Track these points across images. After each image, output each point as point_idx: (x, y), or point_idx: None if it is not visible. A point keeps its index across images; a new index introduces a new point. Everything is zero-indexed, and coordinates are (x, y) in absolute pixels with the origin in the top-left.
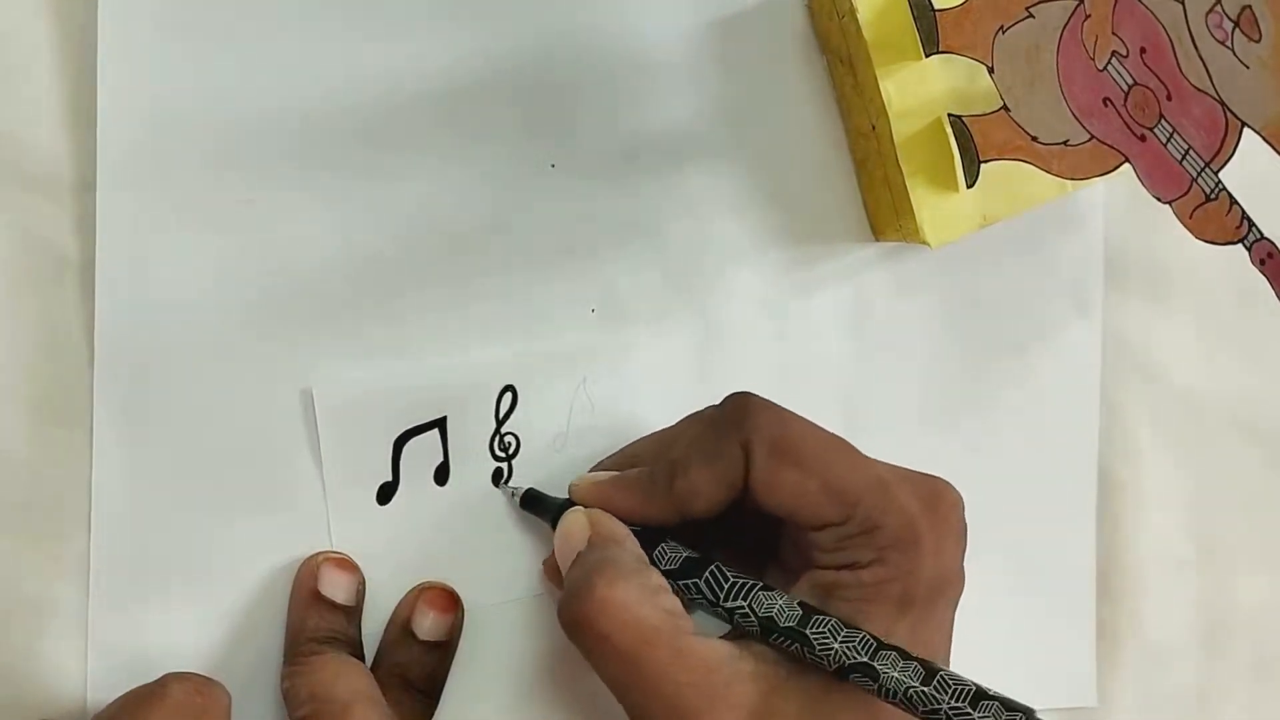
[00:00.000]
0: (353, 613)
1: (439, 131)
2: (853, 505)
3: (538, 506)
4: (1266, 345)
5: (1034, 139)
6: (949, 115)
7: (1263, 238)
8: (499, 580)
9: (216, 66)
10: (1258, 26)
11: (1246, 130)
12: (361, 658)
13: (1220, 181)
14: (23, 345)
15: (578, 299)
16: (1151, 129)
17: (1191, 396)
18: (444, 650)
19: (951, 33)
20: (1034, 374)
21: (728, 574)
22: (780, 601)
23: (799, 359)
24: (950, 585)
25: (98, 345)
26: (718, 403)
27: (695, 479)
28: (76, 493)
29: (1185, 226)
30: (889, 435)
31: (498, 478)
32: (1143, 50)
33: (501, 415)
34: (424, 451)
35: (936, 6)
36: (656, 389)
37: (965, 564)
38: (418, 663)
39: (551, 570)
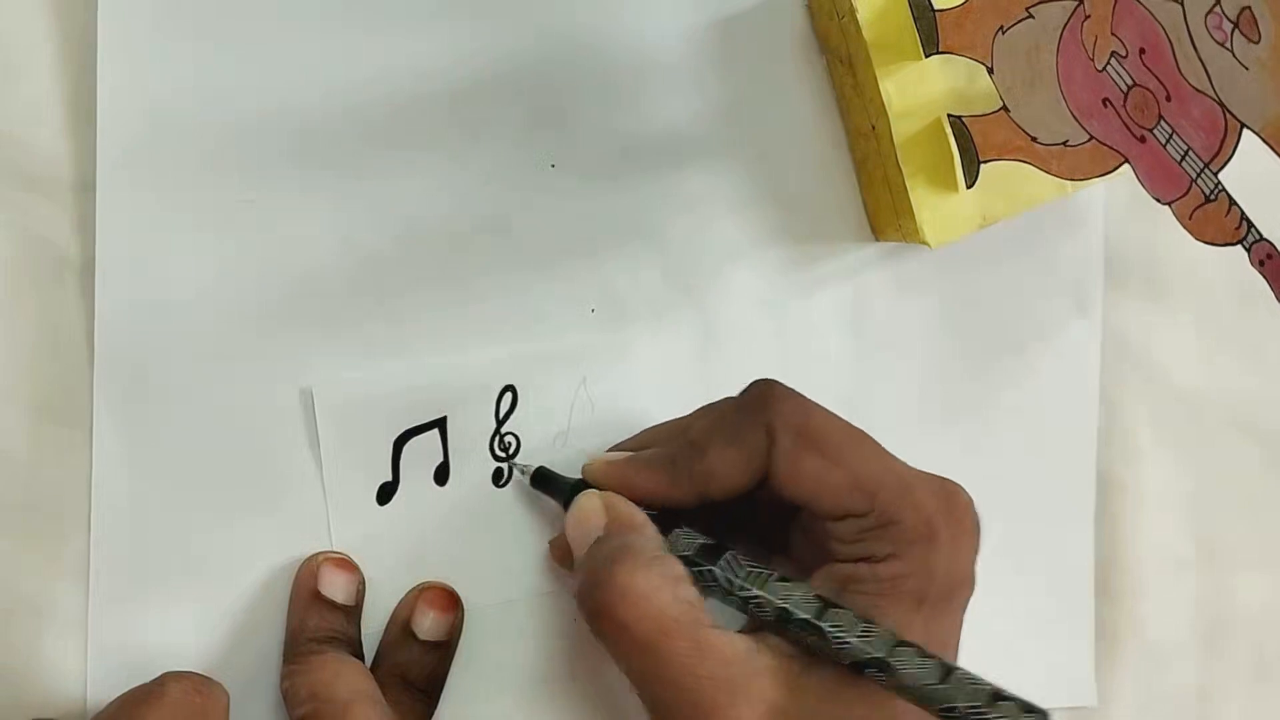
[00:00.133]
0: (352, 612)
1: (439, 131)
2: (873, 497)
3: (548, 486)
4: (1266, 345)
5: (1034, 139)
6: (949, 115)
7: (1262, 238)
8: (499, 580)
9: (216, 66)
10: (1257, 28)
11: (1246, 131)
12: (361, 657)
13: (1219, 182)
14: (23, 345)
15: (577, 299)
16: (1151, 130)
17: (1191, 396)
18: (444, 650)
19: (951, 33)
20: (1034, 374)
21: (743, 562)
22: (797, 593)
23: (799, 358)
24: (963, 586)
25: (98, 345)
26: (738, 392)
27: (716, 460)
28: (76, 493)
29: (1184, 227)
30: (889, 435)
31: (498, 477)
32: (1142, 51)
33: (501, 415)
34: (424, 451)
35: (936, 6)
36: (656, 388)
37: None
38: (418, 663)
39: (559, 551)
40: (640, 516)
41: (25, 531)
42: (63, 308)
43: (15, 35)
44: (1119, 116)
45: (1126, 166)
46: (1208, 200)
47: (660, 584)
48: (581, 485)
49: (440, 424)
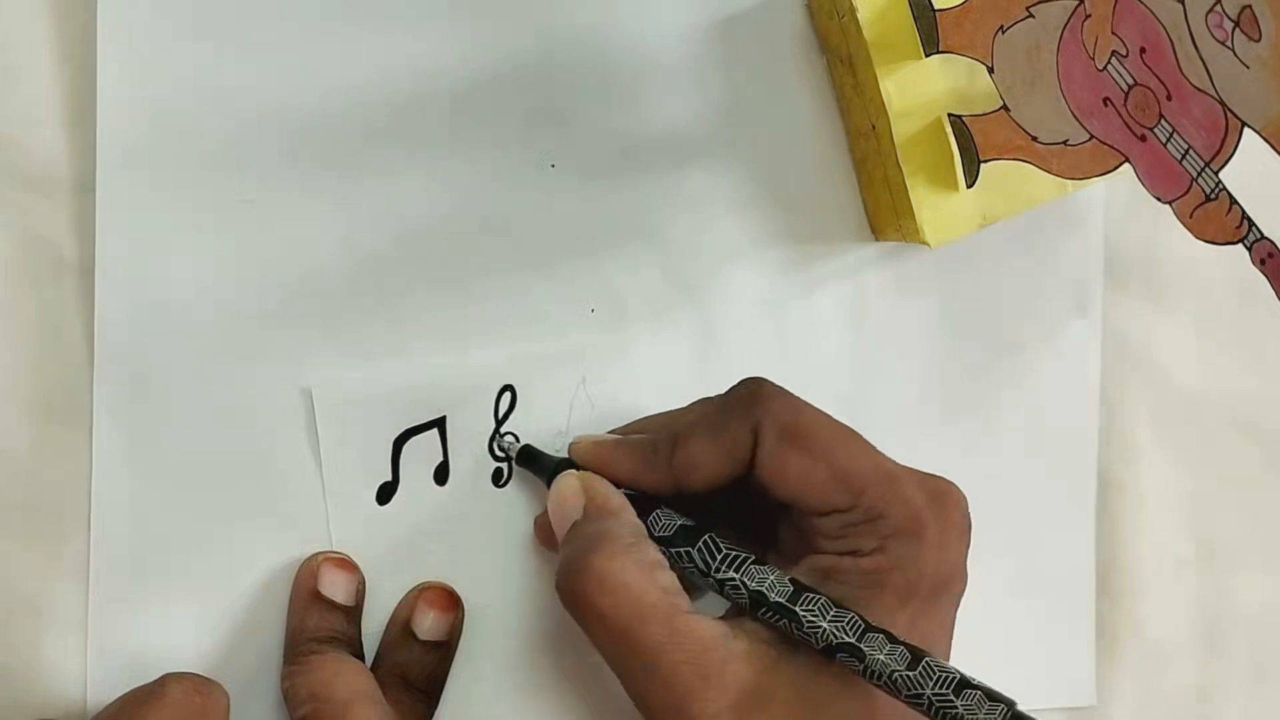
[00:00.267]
0: (352, 612)
1: (439, 131)
2: (859, 493)
3: (533, 464)
4: (1266, 345)
5: (1034, 139)
6: (949, 115)
7: (1263, 237)
8: (499, 580)
9: (216, 66)
10: (1258, 26)
11: (1247, 130)
12: (361, 657)
13: (1220, 181)
14: (23, 345)
15: (577, 299)
16: (1151, 129)
17: (1191, 396)
18: (444, 650)
19: (951, 32)
20: (1034, 374)
21: (721, 545)
22: (772, 576)
23: (799, 358)
24: (953, 581)
25: (98, 345)
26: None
27: (696, 451)
28: (76, 493)
29: (1185, 226)
30: (888, 435)
31: (498, 477)
32: (1143, 50)
33: (501, 415)
34: (424, 451)
35: (936, 6)
36: (656, 388)
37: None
38: (418, 663)
39: (543, 531)
40: (618, 499)
41: (25, 531)
42: (63, 308)
43: (15, 35)
44: (1119, 115)
45: (1127, 166)
46: (1208, 199)
47: (636, 571)
48: (565, 464)
49: (440, 424)
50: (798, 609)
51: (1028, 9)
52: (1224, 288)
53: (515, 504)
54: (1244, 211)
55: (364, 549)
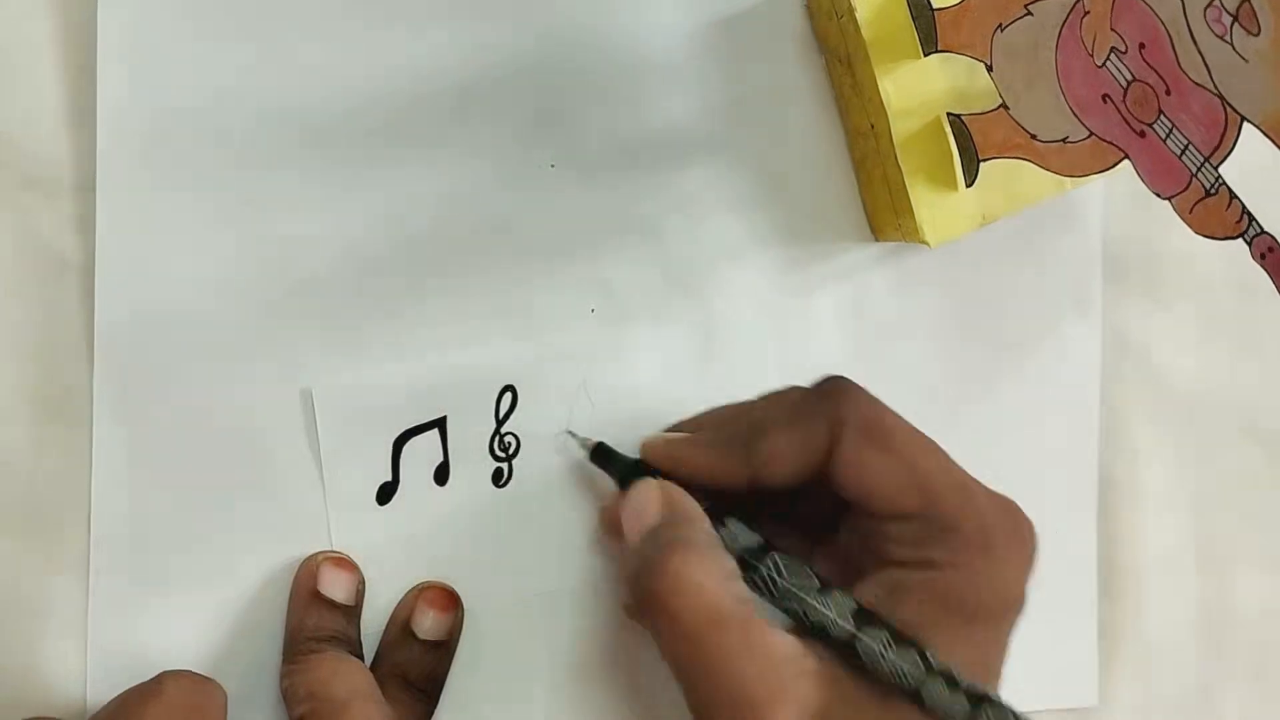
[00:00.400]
0: (352, 612)
1: (439, 132)
2: (933, 500)
3: (607, 463)
4: (1267, 345)
5: (1033, 137)
6: (948, 114)
7: (1263, 232)
8: (499, 580)
9: (216, 66)
10: (1256, 20)
11: (1246, 125)
12: (361, 657)
13: (1220, 176)
14: (23, 345)
15: (578, 299)
16: (1151, 125)
17: (1191, 396)
18: (444, 650)
19: (950, 31)
20: (1034, 373)
21: (785, 568)
22: (833, 612)
23: (799, 358)
24: (1014, 605)
25: (98, 345)
26: (808, 383)
27: (777, 442)
28: (76, 493)
29: (1185, 222)
30: None
31: (498, 477)
32: (1141, 46)
33: (501, 415)
34: (424, 451)
35: (935, 5)
36: (656, 388)
37: None
38: (418, 662)
39: (608, 522)
40: (696, 509)
41: (25, 531)
42: (63, 308)
43: (15, 35)
44: (1118, 112)
45: (1126, 162)
46: (1208, 194)
47: (714, 576)
48: (640, 465)
49: (440, 424)
50: (858, 646)
51: (1026, 7)
52: (1224, 283)
53: (515, 504)
54: (1244, 206)
55: (364, 549)
